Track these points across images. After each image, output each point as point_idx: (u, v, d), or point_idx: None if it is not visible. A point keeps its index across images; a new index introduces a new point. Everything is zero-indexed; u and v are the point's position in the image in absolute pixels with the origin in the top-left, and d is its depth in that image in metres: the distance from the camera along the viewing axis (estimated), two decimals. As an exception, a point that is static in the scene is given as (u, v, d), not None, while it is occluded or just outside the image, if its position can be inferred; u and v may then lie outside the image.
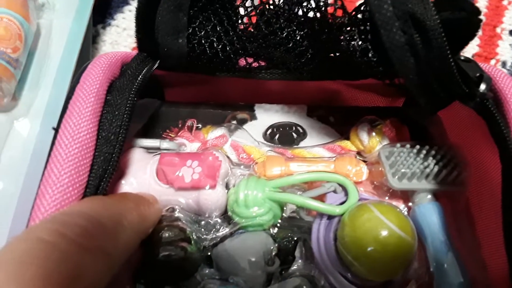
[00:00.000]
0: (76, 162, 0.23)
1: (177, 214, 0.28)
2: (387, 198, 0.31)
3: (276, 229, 0.29)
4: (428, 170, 0.29)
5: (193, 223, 0.28)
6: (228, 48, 0.30)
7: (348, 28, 0.28)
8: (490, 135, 0.26)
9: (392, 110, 0.38)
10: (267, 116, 0.36)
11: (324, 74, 0.33)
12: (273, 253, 0.27)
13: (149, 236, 0.26)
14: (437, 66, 0.24)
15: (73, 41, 0.48)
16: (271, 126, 0.35)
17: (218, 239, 0.28)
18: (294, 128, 0.35)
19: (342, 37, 0.28)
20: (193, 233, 0.28)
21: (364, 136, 0.33)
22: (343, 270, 0.26)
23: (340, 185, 0.28)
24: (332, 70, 0.32)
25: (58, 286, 0.17)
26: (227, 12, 0.30)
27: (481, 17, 0.25)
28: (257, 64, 0.33)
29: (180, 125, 0.35)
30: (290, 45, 0.31)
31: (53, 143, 0.24)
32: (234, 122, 0.35)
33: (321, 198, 0.28)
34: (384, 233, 0.23)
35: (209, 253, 0.28)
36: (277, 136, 0.35)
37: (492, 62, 0.58)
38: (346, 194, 0.28)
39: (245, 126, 0.35)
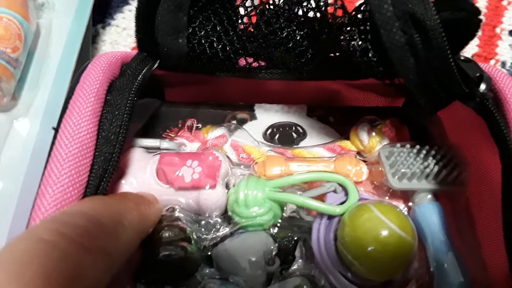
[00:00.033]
0: (76, 162, 0.23)
1: (177, 213, 0.28)
2: (387, 198, 0.31)
3: (276, 228, 0.29)
4: (428, 170, 0.29)
5: (193, 223, 0.28)
6: (228, 48, 0.30)
7: (348, 28, 0.28)
8: (490, 135, 0.26)
9: (392, 110, 0.38)
10: (267, 116, 0.36)
11: (324, 74, 0.33)
12: (273, 253, 0.27)
13: (149, 235, 0.26)
14: (437, 66, 0.24)
15: (72, 41, 0.48)
16: (271, 126, 0.35)
17: (218, 238, 0.28)
18: (294, 128, 0.35)
19: (342, 37, 0.28)
20: (193, 233, 0.28)
21: (364, 136, 0.33)
22: (343, 269, 0.26)
23: (340, 185, 0.28)
24: (332, 70, 0.32)
25: (58, 286, 0.17)
26: (227, 12, 0.30)
27: (481, 17, 0.25)
28: (257, 64, 0.33)
29: (180, 125, 0.35)
30: (290, 45, 0.31)
31: (53, 143, 0.24)
32: (234, 122, 0.35)
33: (321, 198, 0.28)
34: (385, 232, 0.23)
35: (209, 253, 0.28)
36: (277, 136, 0.35)
37: (492, 62, 0.58)
38: (346, 194, 0.28)
39: (245, 126, 0.35)
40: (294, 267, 0.28)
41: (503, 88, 0.26)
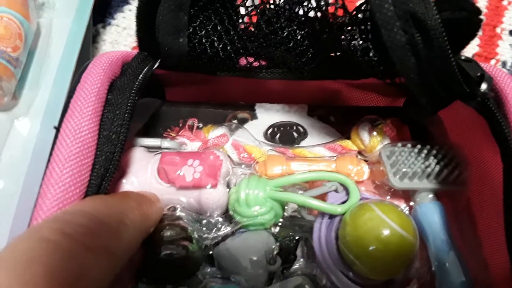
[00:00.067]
0: (78, 161, 0.23)
1: (178, 213, 0.28)
2: (388, 197, 0.31)
3: (278, 228, 0.29)
4: (429, 169, 0.29)
5: (195, 222, 0.28)
6: (228, 48, 0.30)
7: (349, 28, 0.28)
8: (491, 135, 0.26)
9: (393, 109, 0.38)
10: (268, 115, 0.36)
11: (324, 74, 0.33)
12: (275, 252, 0.27)
13: (151, 235, 0.26)
14: (438, 65, 0.24)
15: (73, 40, 0.48)
16: (272, 126, 0.35)
17: (220, 238, 0.28)
18: (295, 128, 0.35)
19: (342, 37, 0.28)
20: (195, 232, 0.28)
21: (365, 135, 0.33)
22: (345, 269, 0.26)
23: (341, 184, 0.28)
24: (333, 70, 0.32)
25: (60, 285, 0.17)
26: (228, 12, 0.30)
27: (481, 17, 0.25)
28: (258, 64, 0.33)
29: (181, 124, 0.35)
30: (291, 45, 0.31)
31: (54, 143, 0.24)
32: (235, 121, 0.35)
33: (322, 197, 0.28)
34: (386, 232, 0.23)
35: (210, 252, 0.28)
36: (278, 136, 0.35)
37: (492, 62, 0.58)
38: (347, 193, 0.28)
39: (246, 126, 0.35)
40: (296, 266, 0.28)
41: (504, 87, 0.26)
